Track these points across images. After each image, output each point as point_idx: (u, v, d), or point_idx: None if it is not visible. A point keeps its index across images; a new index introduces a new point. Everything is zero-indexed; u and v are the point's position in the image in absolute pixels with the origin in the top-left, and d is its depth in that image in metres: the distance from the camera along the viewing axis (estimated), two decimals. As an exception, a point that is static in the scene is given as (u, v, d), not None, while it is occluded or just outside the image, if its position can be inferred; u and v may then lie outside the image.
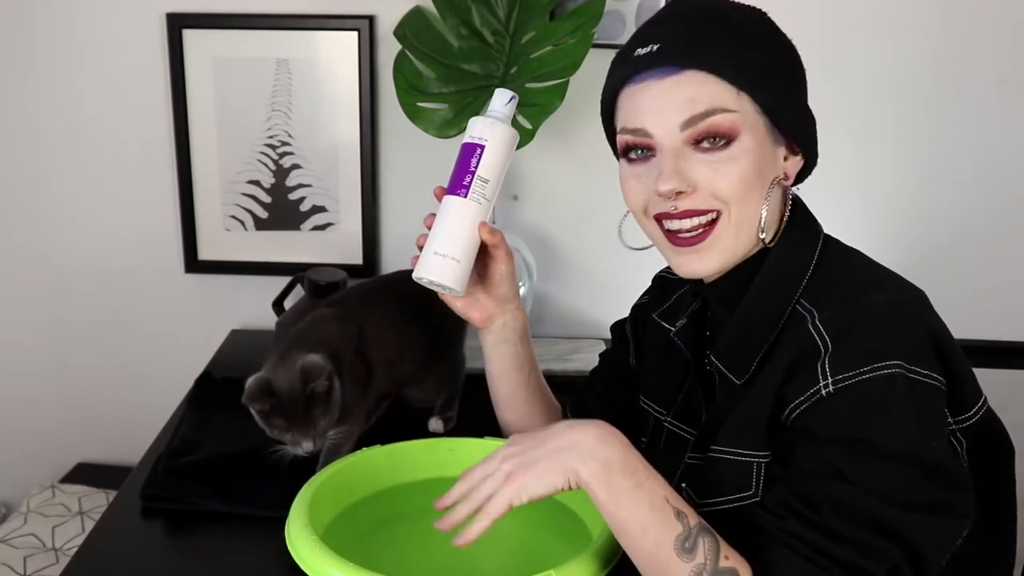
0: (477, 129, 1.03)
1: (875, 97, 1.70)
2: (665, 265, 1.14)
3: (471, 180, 1.01)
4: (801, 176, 0.96)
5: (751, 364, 0.89)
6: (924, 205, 1.77)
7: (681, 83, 0.87)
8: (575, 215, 1.79)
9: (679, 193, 0.88)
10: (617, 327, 1.21)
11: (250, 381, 1.06)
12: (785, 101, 0.90)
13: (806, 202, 0.98)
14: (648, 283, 1.20)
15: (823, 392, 0.81)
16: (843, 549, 0.79)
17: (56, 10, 1.71)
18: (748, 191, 0.89)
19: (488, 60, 1.58)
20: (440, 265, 1.01)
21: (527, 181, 1.78)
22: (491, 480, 0.85)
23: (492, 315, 1.11)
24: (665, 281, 1.15)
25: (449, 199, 1.02)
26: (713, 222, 0.90)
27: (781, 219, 0.94)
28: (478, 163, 1.01)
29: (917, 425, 0.80)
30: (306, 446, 1.07)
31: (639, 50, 0.90)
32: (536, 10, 1.54)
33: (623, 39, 1.68)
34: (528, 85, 1.56)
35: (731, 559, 0.81)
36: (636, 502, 0.82)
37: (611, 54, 1.77)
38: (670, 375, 1.05)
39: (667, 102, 0.88)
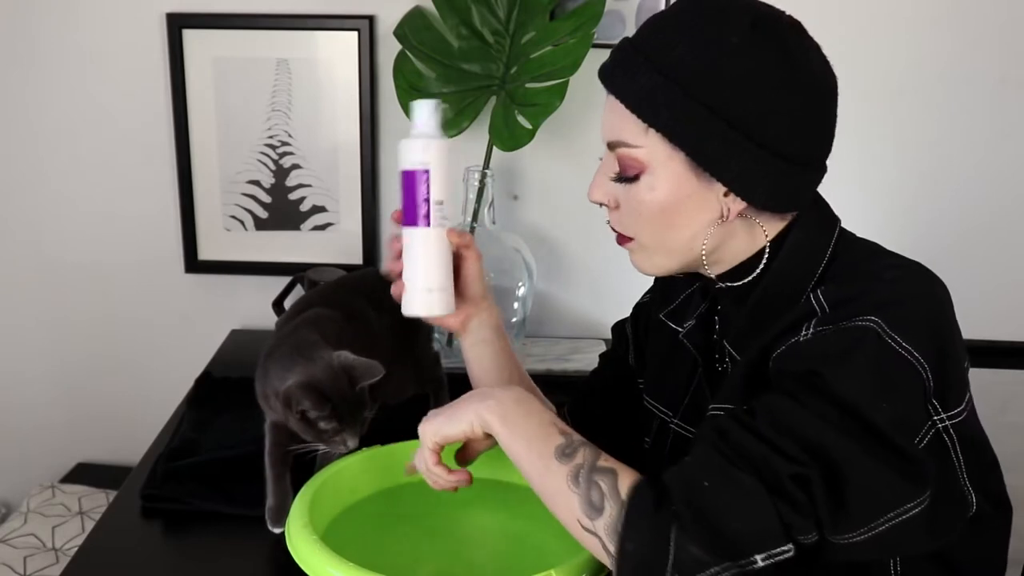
0: (416, 155, 1.00)
1: (875, 97, 1.70)
2: None
3: (428, 209, 1.00)
4: (784, 203, 0.89)
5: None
6: (924, 205, 1.77)
7: (609, 106, 0.90)
8: (575, 215, 1.79)
9: (604, 205, 0.93)
10: (618, 327, 1.21)
11: (293, 387, 1.04)
12: (706, 143, 0.84)
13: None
14: (650, 282, 1.20)
15: (800, 339, 0.82)
16: (760, 448, 0.77)
17: (56, 10, 1.71)
18: (659, 227, 0.89)
19: (488, 60, 1.58)
20: (428, 300, 1.03)
21: (527, 181, 1.78)
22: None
23: (468, 316, 1.10)
24: (668, 280, 1.13)
25: (413, 232, 1.02)
26: (628, 240, 0.93)
27: (783, 234, 0.91)
28: (428, 189, 1.00)
29: (873, 385, 0.78)
30: (352, 443, 1.08)
31: (607, 59, 0.91)
32: (536, 10, 1.54)
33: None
34: (528, 85, 1.56)
35: (610, 462, 0.82)
36: (526, 424, 0.87)
37: (611, 54, 1.75)
38: (676, 376, 1.04)
39: (604, 119, 0.91)
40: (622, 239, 0.94)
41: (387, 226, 1.82)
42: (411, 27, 1.60)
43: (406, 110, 1.60)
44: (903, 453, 0.77)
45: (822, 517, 0.75)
